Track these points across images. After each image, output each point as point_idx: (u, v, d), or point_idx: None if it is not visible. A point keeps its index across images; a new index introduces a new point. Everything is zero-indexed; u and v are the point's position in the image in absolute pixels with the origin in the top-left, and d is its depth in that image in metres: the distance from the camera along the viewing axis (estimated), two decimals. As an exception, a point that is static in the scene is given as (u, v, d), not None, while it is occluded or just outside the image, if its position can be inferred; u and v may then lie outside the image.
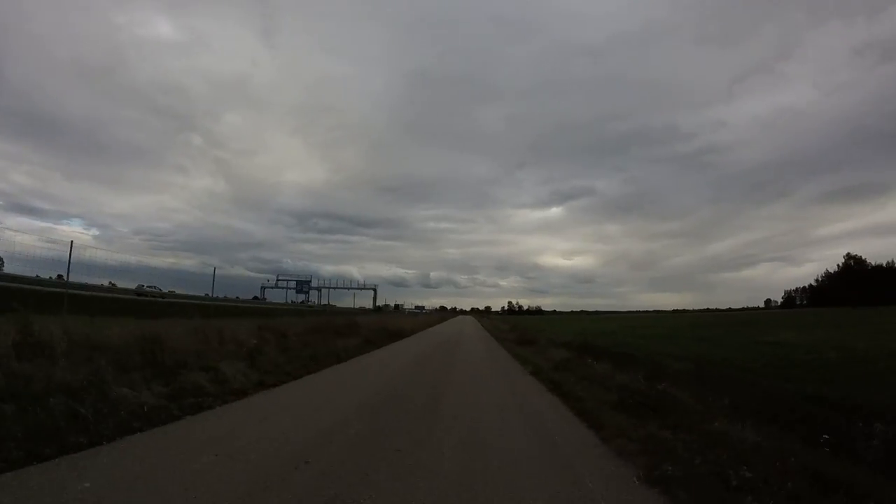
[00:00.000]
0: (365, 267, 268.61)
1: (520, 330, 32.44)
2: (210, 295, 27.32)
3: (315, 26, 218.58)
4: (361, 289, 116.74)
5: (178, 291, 57.59)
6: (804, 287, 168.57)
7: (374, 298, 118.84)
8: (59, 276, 24.02)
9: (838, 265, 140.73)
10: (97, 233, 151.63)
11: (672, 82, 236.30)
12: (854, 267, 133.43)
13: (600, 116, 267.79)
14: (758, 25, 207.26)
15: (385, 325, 30.86)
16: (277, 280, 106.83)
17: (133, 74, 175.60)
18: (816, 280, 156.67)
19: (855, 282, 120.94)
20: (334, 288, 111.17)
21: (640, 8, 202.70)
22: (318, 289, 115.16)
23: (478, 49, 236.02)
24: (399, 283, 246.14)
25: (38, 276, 21.35)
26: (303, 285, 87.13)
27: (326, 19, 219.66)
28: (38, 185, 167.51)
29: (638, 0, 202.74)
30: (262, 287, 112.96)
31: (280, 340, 14.57)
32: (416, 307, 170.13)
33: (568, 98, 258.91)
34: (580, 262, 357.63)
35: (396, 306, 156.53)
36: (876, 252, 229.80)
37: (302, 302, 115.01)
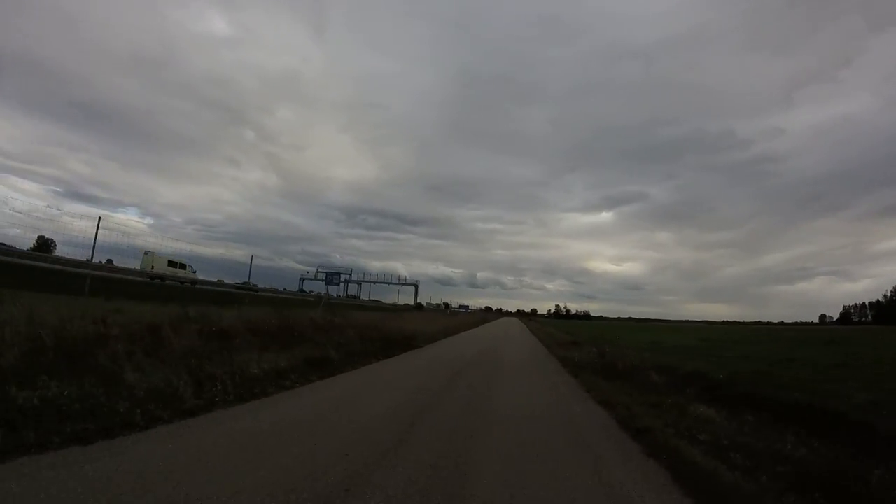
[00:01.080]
0: (411, 264, 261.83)
1: (589, 342, 22.93)
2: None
3: (363, 23, 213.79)
4: (403, 284, 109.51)
5: (226, 280, 60.48)
6: (864, 303, 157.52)
7: (416, 295, 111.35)
8: (109, 261, 28.94)
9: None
10: (152, 221, 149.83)
11: (726, 87, 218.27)
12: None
13: (651, 121, 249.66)
14: (815, 31, 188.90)
15: (399, 326, 22.19)
16: (317, 272, 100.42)
17: (187, 68, 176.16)
18: (885, 296, 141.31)
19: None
20: (373, 282, 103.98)
21: (690, 11, 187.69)
22: (358, 282, 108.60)
23: (524, 49, 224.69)
24: (446, 282, 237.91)
25: (89, 261, 22.78)
26: (333, 277, 79.81)
27: (374, 16, 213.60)
28: (96, 173, 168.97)
29: (688, 3, 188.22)
30: (301, 279, 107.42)
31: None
32: (461, 306, 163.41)
33: (616, 101, 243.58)
34: (629, 268, 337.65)
35: (446, 305, 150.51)
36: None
37: (348, 296, 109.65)
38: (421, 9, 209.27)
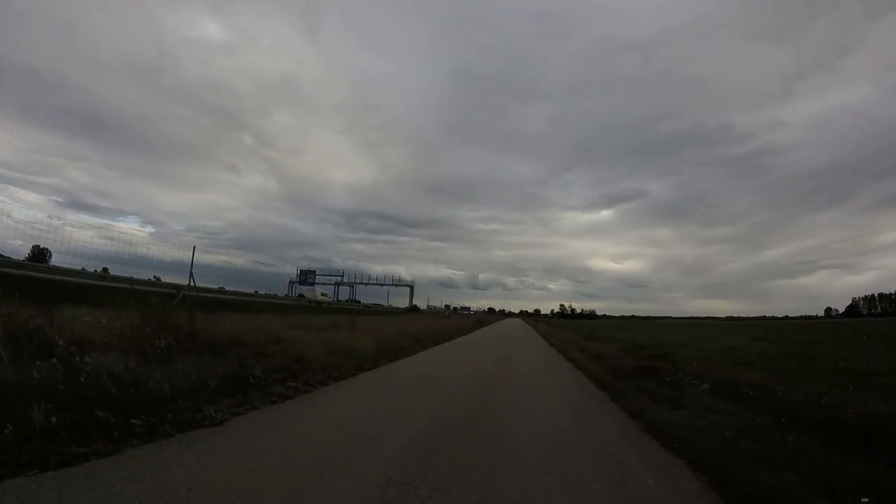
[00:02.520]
0: (413, 267, 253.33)
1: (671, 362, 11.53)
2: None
3: (357, 24, 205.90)
4: (397, 285, 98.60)
5: (227, 288, 54.22)
6: (874, 295, 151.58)
7: (411, 296, 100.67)
8: (105, 269, 27.50)
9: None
10: (152, 230, 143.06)
11: (725, 80, 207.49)
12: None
13: (650, 116, 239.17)
14: (812, 20, 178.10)
15: (329, 337, 12.08)
16: (303, 275, 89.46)
17: (183, 74, 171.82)
18: None
19: None
20: (364, 283, 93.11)
21: (687, 3, 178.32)
22: (351, 284, 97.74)
23: (520, 47, 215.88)
24: (448, 284, 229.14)
25: (83, 269, 22.98)
26: (307, 275, 69.43)
27: (368, 17, 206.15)
28: (96, 182, 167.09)
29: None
30: (290, 282, 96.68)
31: None
32: (462, 308, 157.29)
33: (615, 97, 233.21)
34: (631, 266, 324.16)
35: (455, 309, 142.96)
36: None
37: (348, 300, 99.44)
38: (416, 8, 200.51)
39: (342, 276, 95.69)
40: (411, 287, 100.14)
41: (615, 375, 9.88)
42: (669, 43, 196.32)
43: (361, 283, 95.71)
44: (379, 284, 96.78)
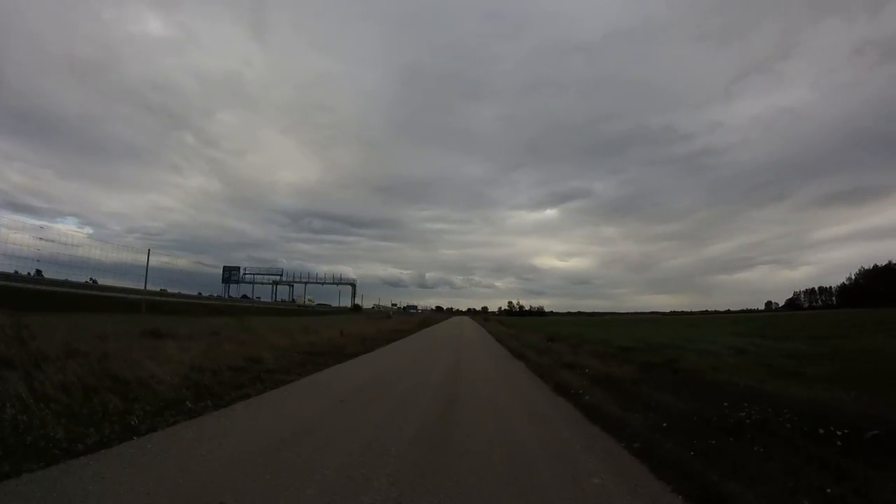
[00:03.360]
0: (360, 267, 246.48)
1: None
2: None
3: (305, 23, 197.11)
4: (339, 284, 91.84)
5: (169, 290, 52.45)
6: (814, 288, 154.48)
7: (353, 295, 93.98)
8: (38, 272, 28.85)
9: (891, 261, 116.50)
10: (91, 231, 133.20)
11: (669, 82, 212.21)
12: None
13: (596, 117, 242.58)
14: (757, 22, 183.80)
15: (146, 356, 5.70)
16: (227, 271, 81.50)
17: (125, 71, 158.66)
18: (849, 279, 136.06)
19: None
20: (305, 282, 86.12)
21: (636, 5, 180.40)
22: (290, 283, 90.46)
23: (470, 47, 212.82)
24: (395, 284, 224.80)
25: (16, 272, 22.05)
26: (231, 272, 62.38)
27: (317, 16, 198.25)
28: (33, 182, 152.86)
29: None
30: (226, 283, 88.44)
31: None
32: (409, 307, 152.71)
33: (563, 98, 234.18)
34: (577, 263, 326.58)
35: (405, 308, 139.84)
36: (872, 256, 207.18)
37: (285, 300, 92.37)
38: (366, 8, 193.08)
39: (281, 275, 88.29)
40: (353, 285, 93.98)
41: (707, 458, 4.27)
42: (617, 44, 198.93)
43: (300, 283, 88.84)
44: (319, 283, 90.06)
